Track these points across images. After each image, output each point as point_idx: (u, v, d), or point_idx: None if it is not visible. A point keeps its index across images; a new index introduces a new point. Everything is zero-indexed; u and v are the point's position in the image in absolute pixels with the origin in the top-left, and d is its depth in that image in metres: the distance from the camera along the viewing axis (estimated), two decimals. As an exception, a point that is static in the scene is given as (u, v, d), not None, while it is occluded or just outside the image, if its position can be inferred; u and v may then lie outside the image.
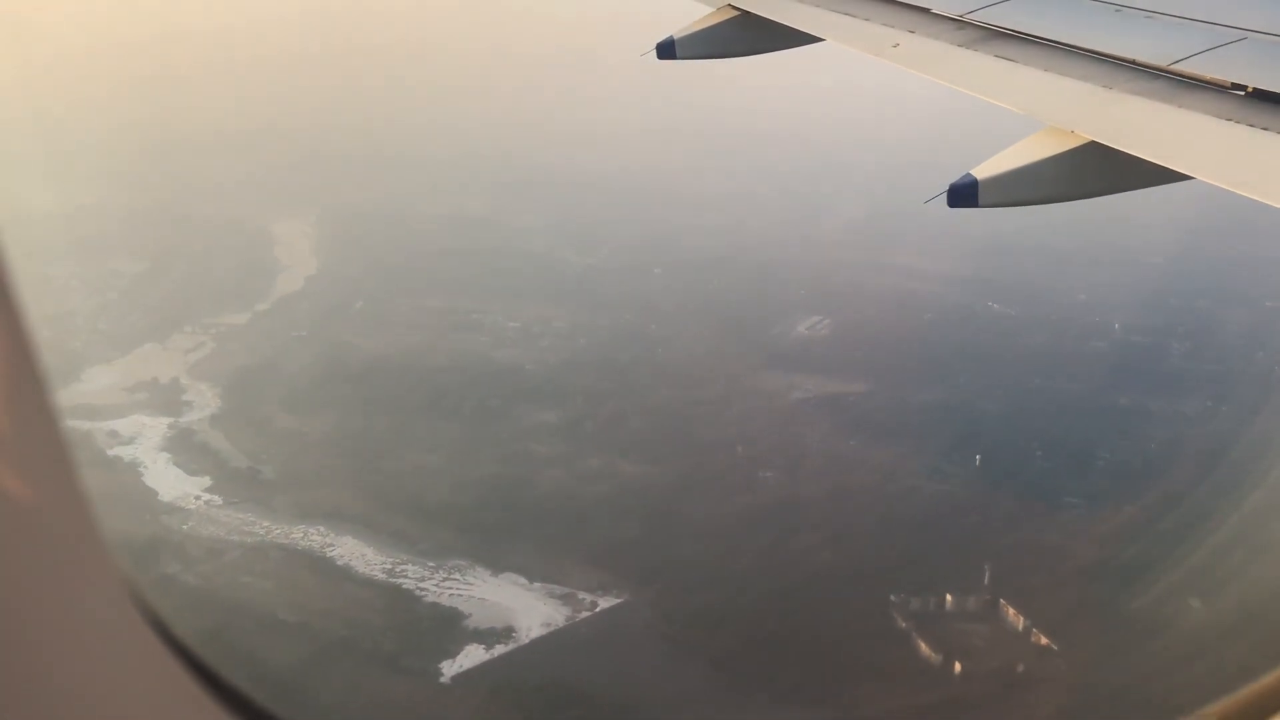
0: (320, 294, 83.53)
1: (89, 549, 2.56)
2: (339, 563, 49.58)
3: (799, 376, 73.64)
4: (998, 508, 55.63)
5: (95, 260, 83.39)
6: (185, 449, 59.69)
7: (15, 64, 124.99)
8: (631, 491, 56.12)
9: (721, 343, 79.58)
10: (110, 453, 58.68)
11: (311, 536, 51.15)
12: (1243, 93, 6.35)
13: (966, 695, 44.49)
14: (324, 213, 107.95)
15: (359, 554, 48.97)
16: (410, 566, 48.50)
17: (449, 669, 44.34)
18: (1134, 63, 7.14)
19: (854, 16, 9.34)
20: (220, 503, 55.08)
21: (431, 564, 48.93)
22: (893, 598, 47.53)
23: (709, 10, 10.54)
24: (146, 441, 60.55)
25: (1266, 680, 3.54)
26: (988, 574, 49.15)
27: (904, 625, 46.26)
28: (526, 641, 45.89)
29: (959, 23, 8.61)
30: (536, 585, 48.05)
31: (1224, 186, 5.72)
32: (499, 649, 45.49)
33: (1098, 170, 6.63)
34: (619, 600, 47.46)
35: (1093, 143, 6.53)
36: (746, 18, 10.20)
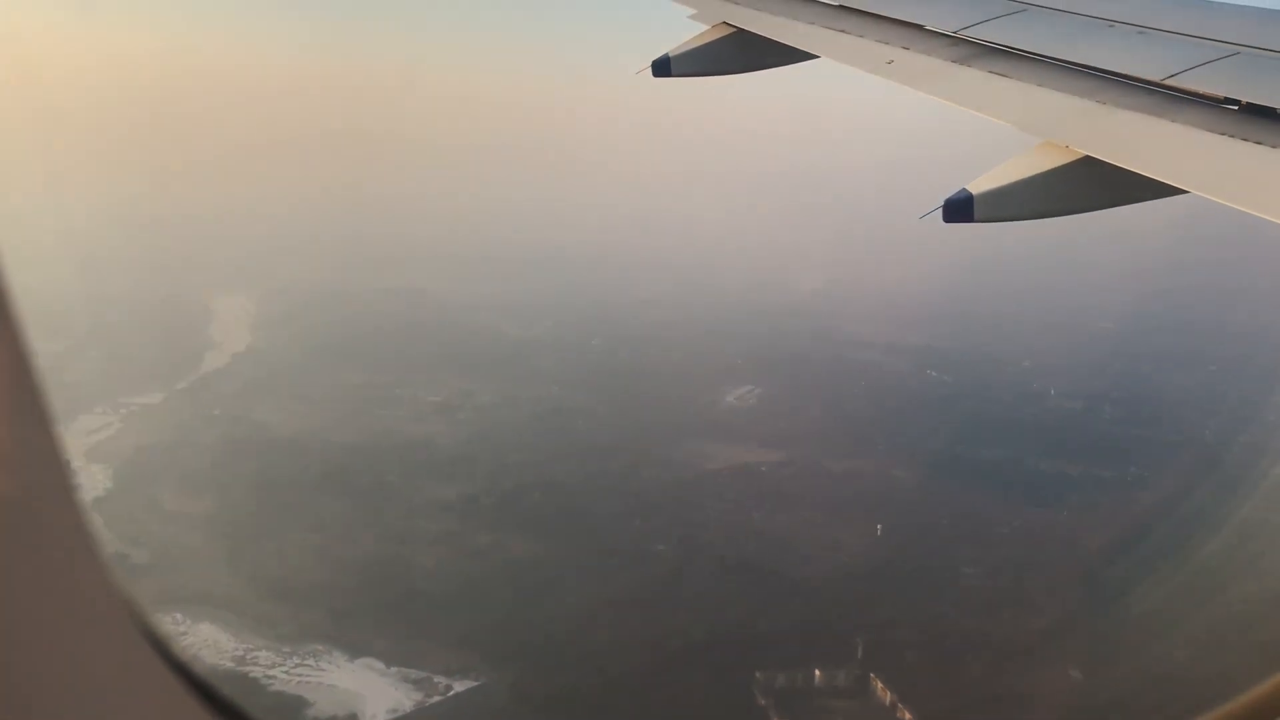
0: (243, 372, 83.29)
1: (82, 555, 2.61)
2: (187, 653, 48.14)
3: (716, 447, 72.47)
4: (888, 581, 54.26)
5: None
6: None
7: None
8: (513, 570, 54.88)
9: (643, 414, 78.63)
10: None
11: (164, 625, 49.77)
12: (1236, 107, 6.43)
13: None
14: (269, 289, 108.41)
15: (212, 641, 47.65)
16: (263, 653, 47.13)
17: (281, 760, 42.88)
18: (1128, 78, 7.21)
19: (848, 33, 9.44)
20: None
21: (287, 649, 47.56)
22: (758, 674, 46.03)
23: (704, 28, 10.65)
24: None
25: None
26: (860, 648, 47.69)
27: (763, 703, 44.69)
28: (368, 729, 44.39)
29: (953, 39, 8.65)
30: (393, 669, 46.58)
31: (1218, 200, 5.73)
32: (337, 737, 44.00)
33: (1092, 185, 6.66)
34: (475, 683, 45.99)
35: (1087, 157, 6.55)
36: (742, 35, 10.31)
